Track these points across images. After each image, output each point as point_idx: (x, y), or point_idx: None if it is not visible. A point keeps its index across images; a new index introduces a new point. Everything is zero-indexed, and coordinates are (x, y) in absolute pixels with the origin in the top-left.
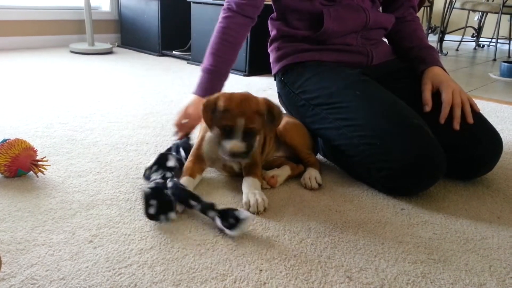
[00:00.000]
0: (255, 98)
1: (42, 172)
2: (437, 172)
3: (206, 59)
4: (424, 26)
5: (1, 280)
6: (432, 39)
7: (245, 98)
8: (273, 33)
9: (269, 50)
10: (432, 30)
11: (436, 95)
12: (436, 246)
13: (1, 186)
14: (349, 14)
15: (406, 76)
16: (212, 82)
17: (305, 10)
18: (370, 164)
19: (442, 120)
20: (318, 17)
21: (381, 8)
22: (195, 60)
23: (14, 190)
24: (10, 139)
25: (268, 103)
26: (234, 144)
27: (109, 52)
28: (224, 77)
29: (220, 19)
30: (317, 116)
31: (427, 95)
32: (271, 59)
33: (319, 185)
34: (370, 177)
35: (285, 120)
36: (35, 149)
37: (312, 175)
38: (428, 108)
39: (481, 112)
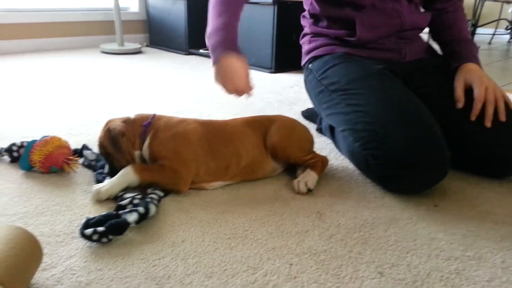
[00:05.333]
0: (105, 126)
1: (73, 170)
2: (432, 172)
3: (213, 21)
4: None
5: (43, 270)
6: None
7: (104, 126)
8: (305, 29)
9: (301, 42)
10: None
11: (470, 92)
12: (471, 243)
13: (40, 182)
14: (382, 19)
15: (437, 72)
16: (233, 35)
17: (336, 16)
18: (368, 151)
19: (473, 117)
20: (351, 22)
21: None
22: None
23: (52, 186)
24: (48, 136)
25: (108, 131)
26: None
27: (138, 52)
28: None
29: None
30: (332, 101)
31: (459, 92)
32: (303, 51)
33: (309, 190)
34: (366, 165)
35: (272, 133)
36: (69, 147)
37: (304, 178)
38: (460, 104)
39: None
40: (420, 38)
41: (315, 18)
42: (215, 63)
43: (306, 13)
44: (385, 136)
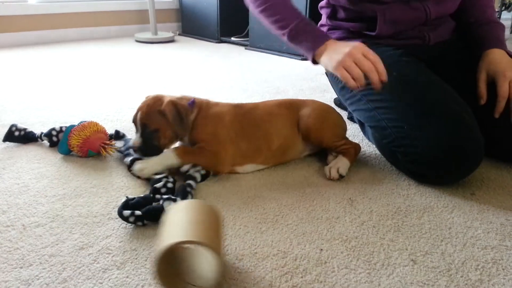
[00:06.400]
0: (161, 98)
1: (109, 154)
2: (468, 164)
3: (285, 21)
4: (497, 2)
5: (80, 249)
6: (506, 17)
7: (152, 98)
8: (323, 19)
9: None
10: (506, 6)
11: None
12: (509, 232)
13: (78, 165)
14: (405, 14)
15: (461, 59)
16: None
17: (357, 9)
18: (396, 148)
19: (496, 114)
20: (372, 16)
21: None
22: (253, 45)
23: (89, 169)
24: (85, 122)
25: (174, 104)
26: (133, 139)
27: (171, 40)
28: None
29: None
30: (354, 98)
31: (482, 87)
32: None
33: (341, 176)
34: (396, 161)
35: (307, 115)
36: (106, 132)
37: (336, 164)
38: (482, 101)
39: None
40: (447, 19)
41: (333, 8)
42: (323, 52)
43: (324, 3)
44: (413, 133)
